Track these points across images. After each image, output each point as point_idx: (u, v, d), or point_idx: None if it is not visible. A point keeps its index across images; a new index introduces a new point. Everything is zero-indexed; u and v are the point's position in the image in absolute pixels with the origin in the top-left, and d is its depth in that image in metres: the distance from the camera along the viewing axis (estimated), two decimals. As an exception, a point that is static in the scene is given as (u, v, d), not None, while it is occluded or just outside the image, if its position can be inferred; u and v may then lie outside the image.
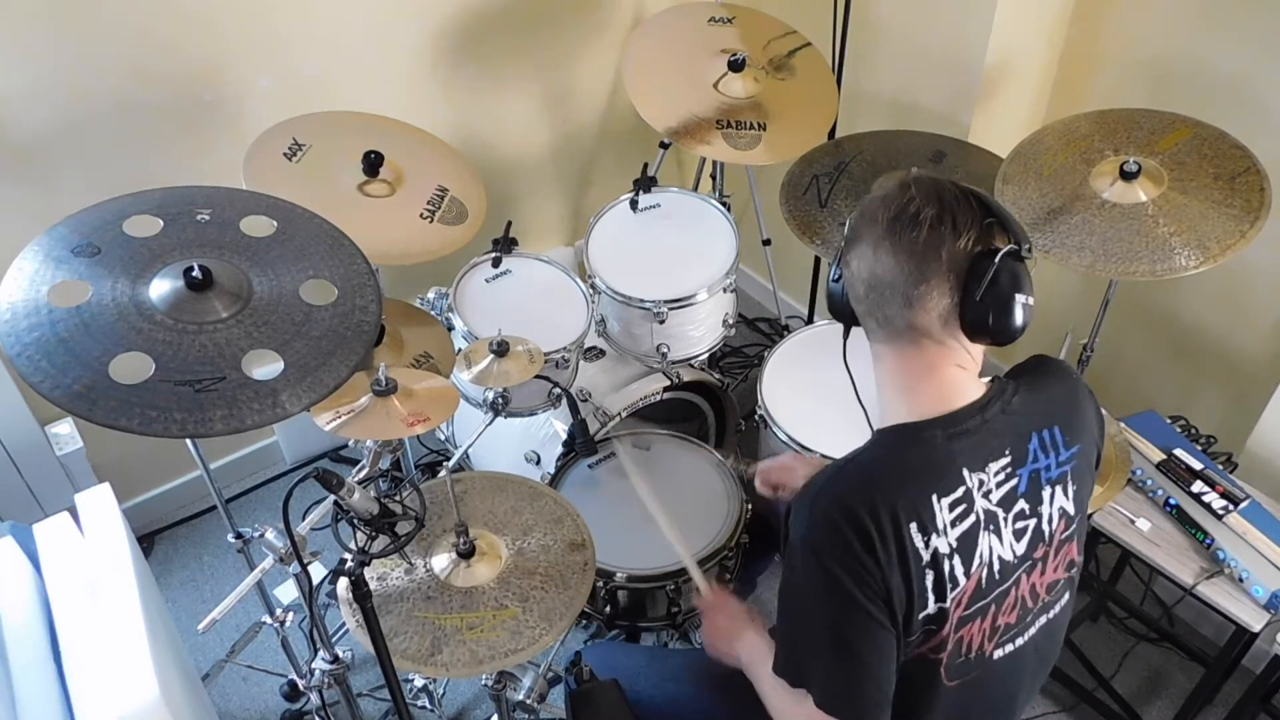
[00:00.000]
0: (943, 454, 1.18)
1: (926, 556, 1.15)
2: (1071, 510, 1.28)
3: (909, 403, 1.22)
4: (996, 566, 1.21)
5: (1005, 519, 1.21)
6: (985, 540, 1.19)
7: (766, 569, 2.11)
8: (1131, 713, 2.18)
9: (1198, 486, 1.91)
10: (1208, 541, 1.84)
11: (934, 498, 1.15)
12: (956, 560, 1.17)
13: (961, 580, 1.18)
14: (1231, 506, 1.86)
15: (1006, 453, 1.21)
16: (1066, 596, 1.33)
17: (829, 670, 1.17)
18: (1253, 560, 1.79)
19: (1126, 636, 2.36)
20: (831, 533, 1.13)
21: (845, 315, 1.31)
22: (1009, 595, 1.24)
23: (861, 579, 1.12)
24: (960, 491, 1.17)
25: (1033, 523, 1.24)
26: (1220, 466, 1.97)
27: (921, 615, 1.17)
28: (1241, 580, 1.78)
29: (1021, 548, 1.23)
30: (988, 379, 1.28)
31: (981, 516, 1.19)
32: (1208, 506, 1.87)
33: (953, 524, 1.17)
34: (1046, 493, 1.25)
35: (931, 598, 1.16)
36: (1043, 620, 1.31)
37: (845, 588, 1.12)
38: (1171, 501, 1.90)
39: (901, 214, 1.17)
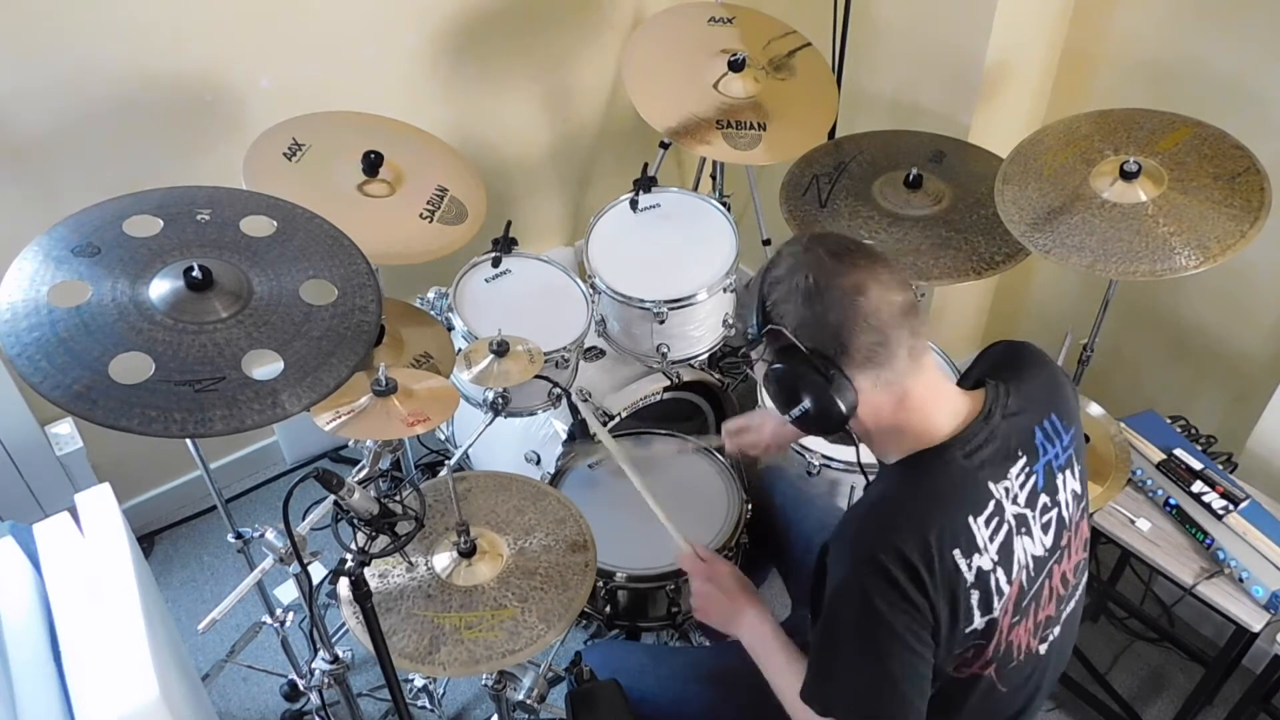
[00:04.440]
0: (968, 474, 1.18)
1: (971, 577, 1.15)
2: (1080, 490, 1.30)
3: (918, 433, 1.21)
4: (1031, 566, 1.22)
5: (1033, 517, 1.22)
6: (1020, 544, 1.20)
7: (764, 580, 2.10)
8: (1131, 712, 2.18)
9: (1198, 486, 1.90)
10: (1208, 541, 1.83)
11: (970, 519, 1.16)
12: (999, 572, 1.18)
13: (1006, 589, 1.19)
14: (1231, 506, 1.86)
15: (1020, 454, 1.22)
16: (1085, 575, 1.35)
17: (866, 704, 1.17)
18: (1253, 560, 1.79)
19: (1127, 636, 2.36)
20: (879, 574, 1.12)
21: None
22: (1044, 589, 1.25)
23: (910, 616, 1.13)
24: (991, 506, 1.18)
25: (1054, 513, 1.25)
26: (1220, 466, 1.97)
27: (968, 630, 1.17)
28: (1241, 580, 1.78)
29: (1049, 540, 1.25)
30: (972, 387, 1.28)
31: (1013, 523, 1.20)
32: (1208, 506, 1.87)
33: (991, 539, 1.17)
34: (1060, 480, 1.26)
35: (978, 614, 1.17)
36: (1071, 606, 1.33)
37: (893, 627, 1.12)
38: (1171, 501, 1.90)
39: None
